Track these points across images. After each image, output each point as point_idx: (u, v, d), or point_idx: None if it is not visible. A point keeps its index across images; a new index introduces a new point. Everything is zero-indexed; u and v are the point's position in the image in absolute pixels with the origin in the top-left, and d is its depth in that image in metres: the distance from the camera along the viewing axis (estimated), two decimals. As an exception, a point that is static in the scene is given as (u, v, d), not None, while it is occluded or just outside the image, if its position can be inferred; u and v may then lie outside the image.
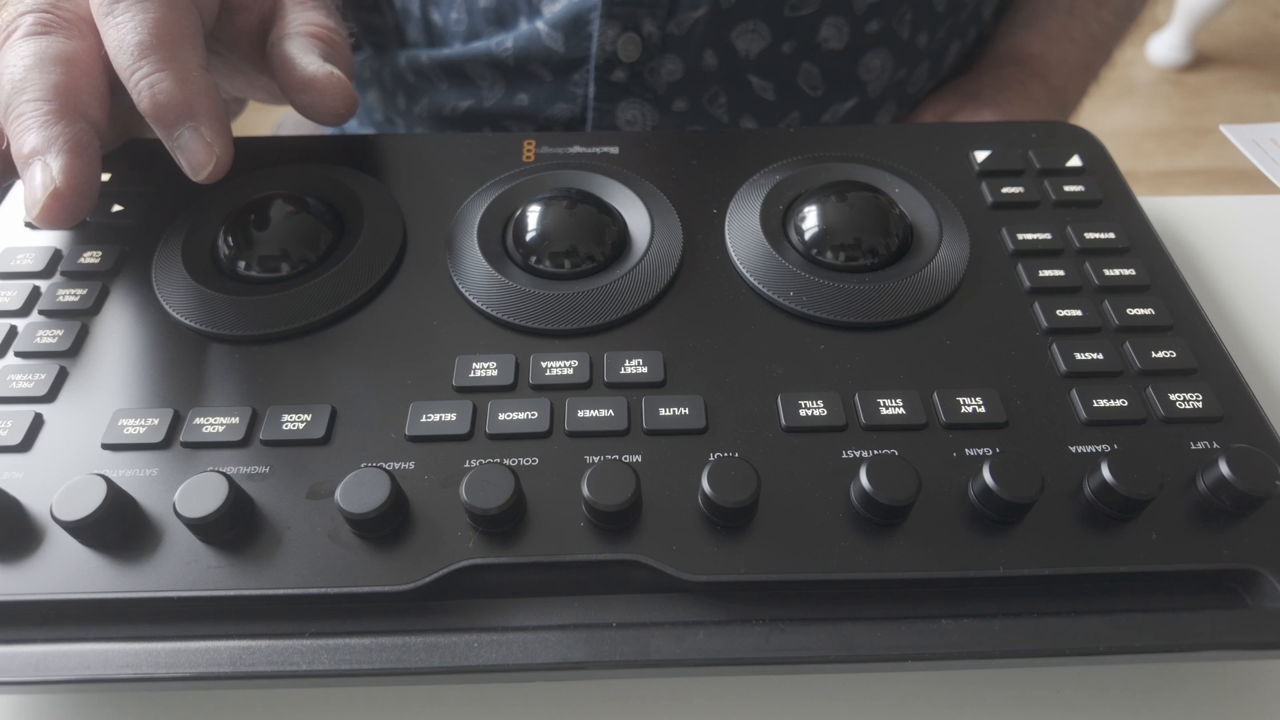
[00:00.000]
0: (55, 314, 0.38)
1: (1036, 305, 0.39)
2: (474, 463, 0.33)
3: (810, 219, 0.41)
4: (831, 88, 0.63)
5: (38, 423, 0.34)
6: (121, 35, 0.37)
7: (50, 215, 0.36)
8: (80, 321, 0.38)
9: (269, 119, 0.77)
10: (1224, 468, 0.31)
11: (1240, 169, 1.89)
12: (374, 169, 0.45)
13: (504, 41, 0.61)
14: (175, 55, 0.37)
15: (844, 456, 0.33)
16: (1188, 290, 0.40)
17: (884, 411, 0.34)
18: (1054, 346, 0.37)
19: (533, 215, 0.41)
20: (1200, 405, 0.35)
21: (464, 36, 0.64)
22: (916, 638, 0.29)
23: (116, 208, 0.43)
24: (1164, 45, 2.17)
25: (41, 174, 0.36)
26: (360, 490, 0.30)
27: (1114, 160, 0.47)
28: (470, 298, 0.39)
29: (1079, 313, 0.38)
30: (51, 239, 0.42)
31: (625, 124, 0.61)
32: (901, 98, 0.67)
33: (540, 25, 0.59)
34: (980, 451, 0.34)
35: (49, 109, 0.37)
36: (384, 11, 0.70)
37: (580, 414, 0.34)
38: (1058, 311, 0.38)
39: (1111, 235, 0.42)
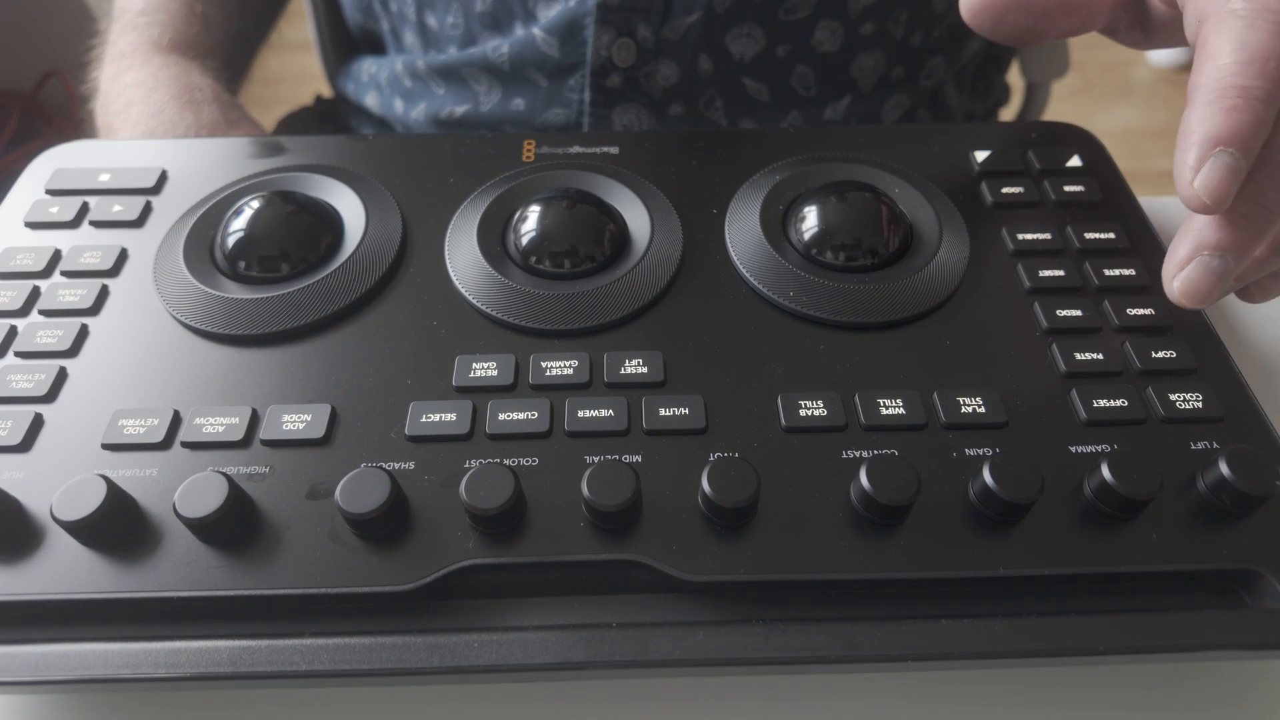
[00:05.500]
0: (55, 314, 0.38)
1: (1036, 305, 0.39)
2: (474, 463, 0.33)
3: (810, 219, 0.41)
4: (824, 88, 0.63)
5: (38, 423, 0.34)
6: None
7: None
8: (80, 321, 0.38)
9: (269, 118, 0.77)
10: (1224, 468, 0.31)
11: (1240, 169, 1.88)
12: (374, 169, 0.45)
13: (500, 47, 0.61)
14: None
15: (844, 456, 0.33)
16: (1188, 290, 0.40)
17: (884, 411, 0.34)
18: (1054, 346, 0.37)
19: (533, 215, 0.41)
20: (1200, 405, 0.35)
21: (460, 42, 0.64)
22: (916, 638, 0.29)
23: (116, 208, 0.43)
24: (1164, 45, 2.16)
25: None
26: (360, 490, 0.30)
27: (1114, 160, 0.47)
28: (470, 298, 0.39)
29: (1079, 313, 0.38)
30: (51, 239, 0.42)
31: (622, 129, 0.61)
32: (915, 91, 0.66)
33: (536, 31, 0.59)
34: (980, 451, 0.34)
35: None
36: (379, 16, 0.70)
37: (580, 414, 0.34)
38: (1058, 311, 0.38)
39: (1111, 235, 0.42)
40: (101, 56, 0.66)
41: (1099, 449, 0.34)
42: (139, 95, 0.59)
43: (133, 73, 0.61)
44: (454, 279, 0.40)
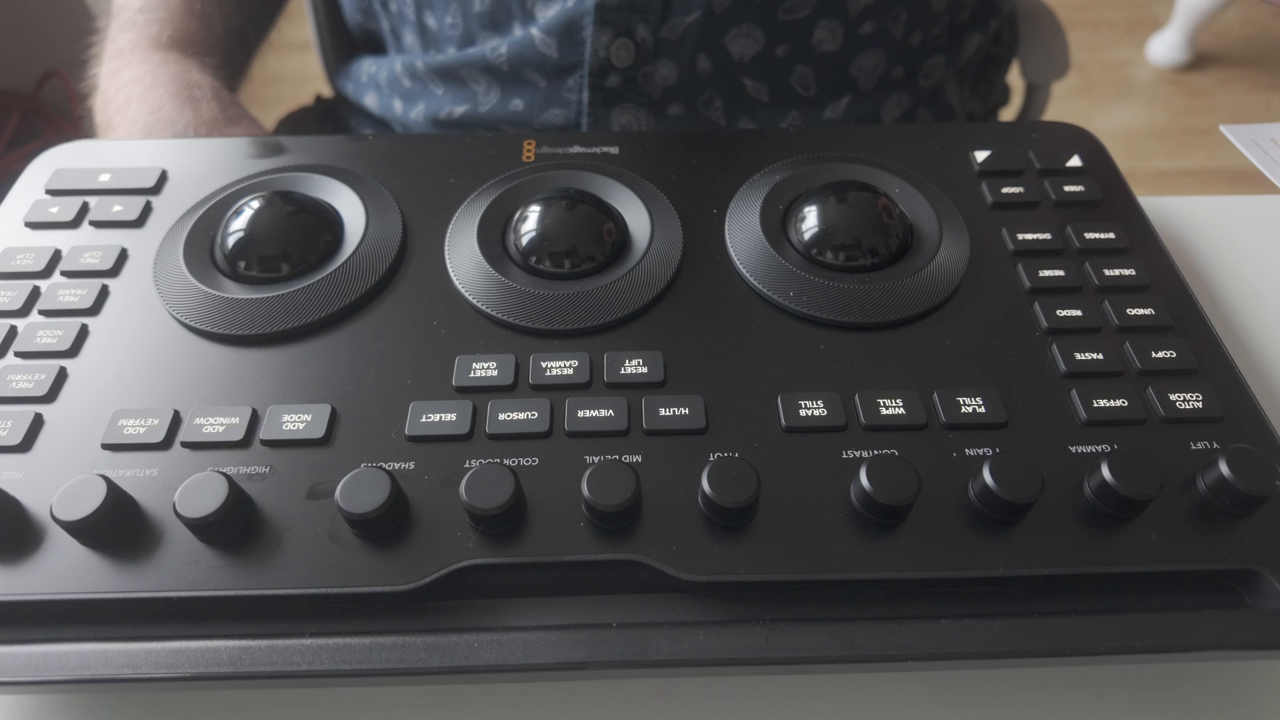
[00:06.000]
0: (55, 314, 0.38)
1: (1036, 305, 0.39)
2: (474, 463, 0.33)
3: (810, 219, 0.41)
4: (824, 88, 0.63)
5: (38, 423, 0.34)
6: None
7: None
8: (80, 321, 0.38)
9: (269, 118, 0.77)
10: (1224, 468, 0.31)
11: (1240, 169, 1.88)
12: (374, 169, 0.45)
13: (498, 47, 0.61)
14: None
15: (844, 456, 0.33)
16: (1188, 290, 0.40)
17: (884, 411, 0.34)
18: (1054, 346, 0.37)
19: (533, 215, 0.41)
20: (1200, 405, 0.35)
21: (459, 42, 0.64)
22: (916, 638, 0.29)
23: (116, 208, 0.43)
24: (1164, 45, 2.17)
25: None
26: (360, 490, 0.30)
27: (1114, 160, 0.47)
28: (470, 298, 0.39)
29: (1079, 313, 0.38)
30: (51, 239, 0.42)
31: (620, 129, 0.61)
32: (915, 90, 0.66)
33: (534, 31, 0.59)
34: (980, 451, 0.34)
35: None
36: (379, 16, 0.70)
37: (580, 414, 0.34)
38: (1058, 311, 0.38)
39: (1111, 235, 0.42)
40: (100, 53, 0.66)
41: (1099, 449, 0.34)
42: (138, 92, 0.59)
43: (132, 70, 0.61)
44: (454, 279, 0.40)
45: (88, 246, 0.41)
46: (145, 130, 0.58)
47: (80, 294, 0.39)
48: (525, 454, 0.33)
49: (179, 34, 0.64)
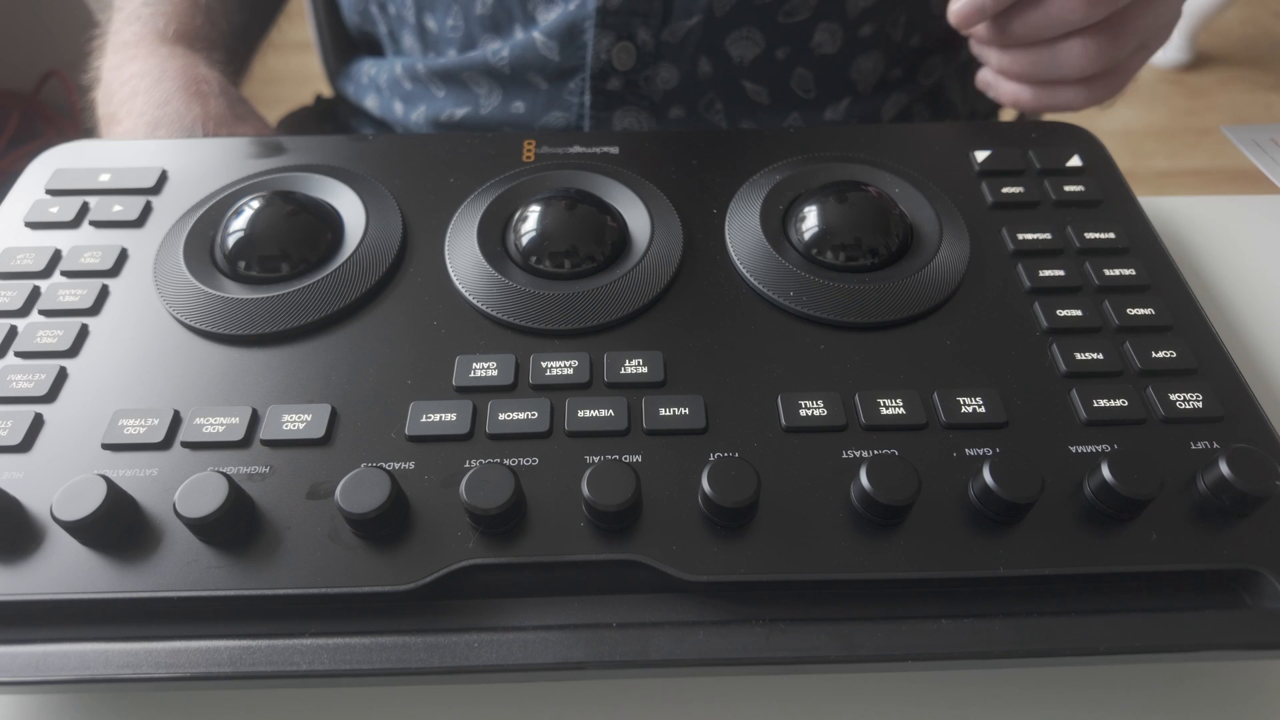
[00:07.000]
0: (55, 314, 0.38)
1: (1036, 305, 0.39)
2: (474, 463, 0.33)
3: (810, 219, 0.41)
4: (823, 90, 0.63)
5: (38, 423, 0.34)
6: None
7: None
8: (80, 321, 0.38)
9: (269, 118, 0.77)
10: (1224, 468, 0.31)
11: (1240, 169, 1.88)
12: (374, 169, 0.45)
13: (500, 50, 0.61)
14: None
15: (844, 456, 0.33)
16: (1188, 290, 0.40)
17: (884, 411, 0.34)
18: (1054, 346, 0.37)
19: (533, 215, 0.41)
20: (1200, 405, 0.35)
21: (459, 45, 0.64)
22: (916, 638, 0.29)
23: (116, 208, 0.43)
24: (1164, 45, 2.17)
25: None
26: (360, 490, 0.30)
27: (1114, 160, 0.47)
28: (470, 298, 0.39)
29: (1079, 313, 0.38)
30: (51, 239, 0.42)
31: (622, 131, 0.61)
32: (914, 89, 0.66)
33: (536, 34, 0.59)
34: (980, 451, 0.34)
35: None
36: (376, 19, 0.70)
37: (580, 414, 0.34)
38: (1058, 311, 0.38)
39: (1111, 235, 0.42)
40: (104, 46, 0.66)
41: (1099, 449, 0.34)
42: (145, 85, 0.59)
43: (138, 63, 0.61)
44: (454, 279, 0.40)
45: (88, 246, 0.41)
46: (152, 124, 0.57)
47: (80, 294, 0.39)
48: (525, 454, 0.33)
49: (184, 28, 0.64)
